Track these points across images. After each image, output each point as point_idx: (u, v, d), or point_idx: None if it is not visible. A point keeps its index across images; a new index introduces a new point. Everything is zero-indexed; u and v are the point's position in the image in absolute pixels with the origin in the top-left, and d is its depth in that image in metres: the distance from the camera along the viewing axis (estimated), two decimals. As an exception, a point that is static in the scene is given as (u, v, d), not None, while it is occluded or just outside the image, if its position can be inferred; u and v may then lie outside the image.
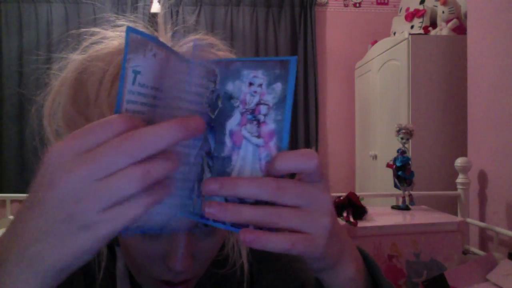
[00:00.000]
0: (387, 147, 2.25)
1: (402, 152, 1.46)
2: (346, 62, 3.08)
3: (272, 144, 0.32)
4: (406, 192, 1.46)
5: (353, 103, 3.00)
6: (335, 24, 3.16)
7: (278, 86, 0.32)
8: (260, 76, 0.32)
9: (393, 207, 1.50)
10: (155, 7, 2.75)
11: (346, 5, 3.16)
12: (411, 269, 1.25)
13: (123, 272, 0.51)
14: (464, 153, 1.66)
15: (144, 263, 0.42)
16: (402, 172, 1.44)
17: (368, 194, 1.84)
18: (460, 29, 2.02)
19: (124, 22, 0.45)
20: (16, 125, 2.87)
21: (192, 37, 0.45)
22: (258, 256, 0.58)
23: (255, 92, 0.32)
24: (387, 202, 1.69)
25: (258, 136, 0.32)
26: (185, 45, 0.43)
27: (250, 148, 0.32)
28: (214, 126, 0.34)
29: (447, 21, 2.07)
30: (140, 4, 2.90)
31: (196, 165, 0.34)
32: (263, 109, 0.32)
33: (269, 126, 0.32)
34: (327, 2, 3.14)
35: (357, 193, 1.37)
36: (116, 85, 0.39)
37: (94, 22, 2.44)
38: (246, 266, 0.55)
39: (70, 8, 2.93)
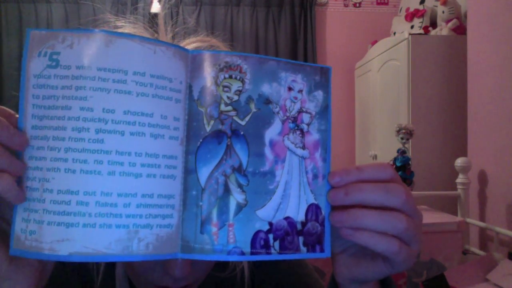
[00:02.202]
0: (387, 147, 2.25)
1: (402, 152, 1.46)
2: (346, 62, 3.07)
3: (318, 155, 0.30)
4: (406, 192, 1.46)
5: (353, 103, 3.00)
6: (335, 24, 3.16)
7: (319, 94, 0.30)
8: (299, 81, 0.30)
9: (393, 207, 1.49)
10: (155, 7, 2.75)
11: (346, 5, 3.16)
12: (411, 269, 1.24)
13: (122, 277, 0.50)
14: (464, 153, 1.66)
15: (143, 268, 0.41)
16: (402, 172, 1.44)
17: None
18: (460, 29, 2.02)
19: (123, 23, 0.44)
20: (16, 125, 2.87)
21: (193, 38, 0.44)
22: (259, 261, 0.57)
23: (296, 98, 0.30)
24: (387, 202, 1.69)
25: (303, 147, 0.30)
26: (187, 47, 0.43)
27: (295, 160, 0.29)
28: (245, 134, 0.28)
29: (447, 21, 2.07)
30: (140, 5, 2.90)
31: (213, 187, 0.28)
32: (305, 117, 0.30)
33: (313, 136, 0.30)
34: (327, 2, 3.14)
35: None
36: None
37: (94, 22, 2.44)
38: (246, 270, 0.54)
39: (70, 8, 2.93)
